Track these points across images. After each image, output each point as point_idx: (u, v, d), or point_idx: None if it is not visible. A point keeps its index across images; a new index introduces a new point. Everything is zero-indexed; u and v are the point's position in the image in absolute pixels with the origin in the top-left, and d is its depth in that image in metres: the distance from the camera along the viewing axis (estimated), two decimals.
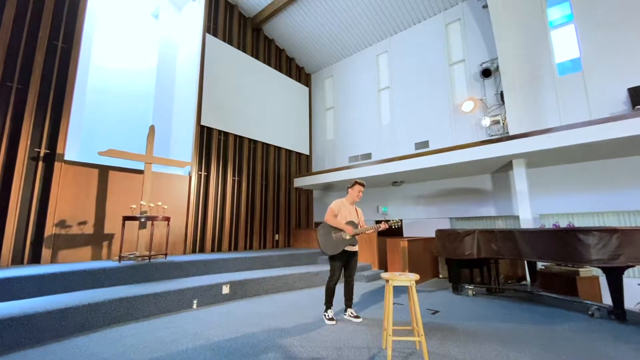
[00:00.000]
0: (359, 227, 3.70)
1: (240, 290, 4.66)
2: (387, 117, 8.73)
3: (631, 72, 5.26)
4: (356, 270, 3.78)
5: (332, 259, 3.62)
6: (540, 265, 5.22)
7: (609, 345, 2.78)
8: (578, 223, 5.70)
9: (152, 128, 5.63)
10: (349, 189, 3.83)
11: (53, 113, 5.06)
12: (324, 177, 8.43)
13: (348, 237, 3.59)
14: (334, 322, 3.47)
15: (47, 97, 5.03)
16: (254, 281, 4.85)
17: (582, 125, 4.66)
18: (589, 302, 3.92)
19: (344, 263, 3.65)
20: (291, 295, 4.88)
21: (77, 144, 5.65)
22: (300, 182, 9.29)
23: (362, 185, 3.82)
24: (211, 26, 7.86)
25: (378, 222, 3.61)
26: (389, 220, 3.54)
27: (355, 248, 3.70)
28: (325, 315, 3.57)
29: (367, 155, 8.89)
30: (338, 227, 3.62)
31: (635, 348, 2.71)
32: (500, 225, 6.77)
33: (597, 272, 4.68)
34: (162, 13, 8.35)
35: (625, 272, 3.54)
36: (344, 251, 3.59)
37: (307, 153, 10.25)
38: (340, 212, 3.71)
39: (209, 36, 7.65)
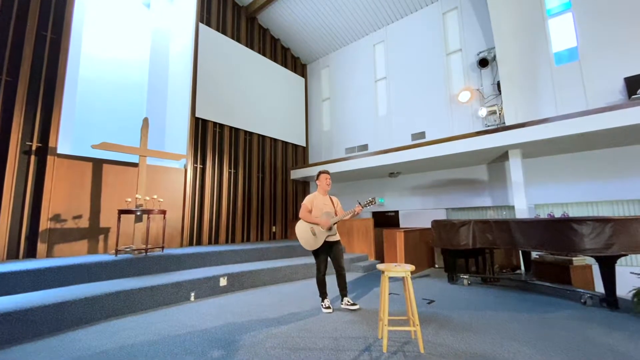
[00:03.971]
0: (335, 215, 3.70)
1: (238, 282, 4.68)
2: (383, 108, 8.68)
3: (628, 61, 5.24)
4: (344, 258, 3.80)
5: (315, 253, 3.66)
6: (534, 254, 5.28)
7: (601, 333, 2.83)
8: (572, 213, 5.75)
9: (145, 120, 5.56)
10: (317, 182, 3.86)
11: (44, 105, 4.98)
12: (321, 168, 8.37)
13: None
14: (330, 310, 3.53)
15: (38, 89, 4.94)
16: (252, 273, 4.87)
17: (578, 115, 4.66)
18: (582, 290, 3.98)
19: (328, 254, 3.68)
20: (288, 287, 4.91)
21: (69, 137, 5.56)
22: (296, 174, 9.27)
23: (326, 172, 3.86)
24: (204, 15, 7.70)
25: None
26: (361, 202, 3.52)
27: (336, 237, 3.71)
28: (322, 305, 3.64)
29: (364, 147, 8.87)
30: (312, 222, 3.63)
31: (627, 335, 2.76)
32: (495, 215, 6.82)
33: (590, 260, 4.74)
34: (154, 2, 8.16)
35: (618, 261, 3.58)
36: (326, 242, 3.61)
37: (304, 145, 10.20)
38: (315, 205, 3.73)
39: (202, 26, 7.51)
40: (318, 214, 3.68)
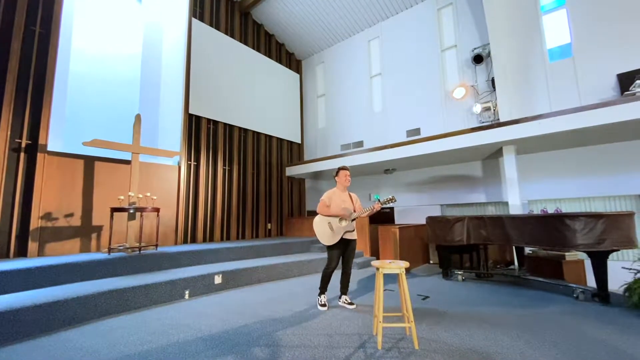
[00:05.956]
0: (354, 212, 3.67)
1: (233, 280, 4.66)
2: (378, 104, 8.66)
3: (621, 57, 5.27)
4: (354, 258, 3.77)
5: (330, 248, 3.61)
6: (528, 250, 5.33)
7: (593, 327, 2.86)
8: (565, 208, 5.80)
9: (138, 117, 5.48)
10: (336, 178, 3.83)
11: (33, 102, 4.88)
12: (316, 165, 8.39)
13: (344, 224, 3.57)
14: (325, 308, 3.52)
15: (27, 85, 4.83)
16: (247, 271, 4.85)
17: (572, 111, 4.68)
18: (574, 285, 4.02)
19: (341, 251, 3.65)
20: (284, 284, 4.90)
21: (60, 134, 5.47)
22: (292, 171, 9.24)
23: (346, 168, 3.81)
24: (197, 10, 7.60)
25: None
26: (380, 200, 3.51)
27: (354, 235, 3.67)
28: (318, 300, 3.62)
29: (359, 143, 8.86)
30: (332, 215, 3.59)
31: (619, 329, 2.80)
32: (490, 211, 6.87)
33: (582, 255, 4.79)
34: None
35: (610, 256, 3.62)
36: (342, 239, 3.58)
37: (299, 141, 10.16)
38: (333, 201, 3.68)
39: (195, 21, 7.41)
40: (336, 211, 3.64)
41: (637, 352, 2.33)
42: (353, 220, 3.61)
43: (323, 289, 3.65)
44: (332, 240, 3.57)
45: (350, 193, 3.83)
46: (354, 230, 3.66)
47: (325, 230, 3.61)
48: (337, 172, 3.82)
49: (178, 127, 6.94)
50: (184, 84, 7.01)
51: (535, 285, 4.49)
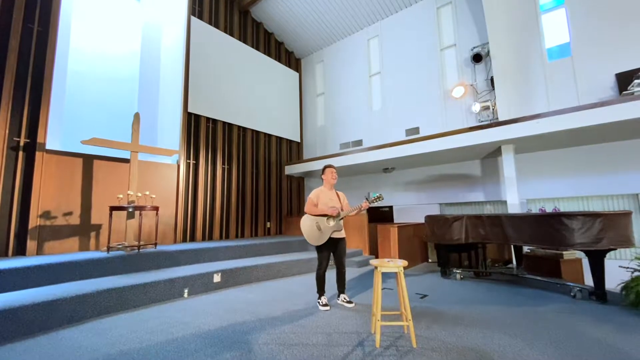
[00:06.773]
0: (342, 211, 3.67)
1: (232, 279, 4.67)
2: (378, 103, 8.66)
3: (619, 57, 5.27)
4: (346, 256, 3.77)
5: (319, 249, 3.61)
6: (526, 248, 5.35)
7: (590, 325, 2.88)
8: (563, 207, 5.82)
9: (137, 115, 5.47)
10: (322, 176, 3.85)
11: (32, 100, 4.86)
12: (315, 164, 8.39)
13: (332, 223, 3.57)
14: (328, 308, 3.50)
15: (25, 83, 4.82)
16: (246, 269, 4.86)
17: (570, 110, 4.69)
18: (572, 283, 4.04)
19: (331, 251, 3.65)
20: (283, 283, 4.91)
21: (58, 133, 5.46)
22: (291, 169, 9.24)
23: (332, 166, 3.85)
24: (196, 8, 7.58)
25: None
26: (368, 198, 3.50)
27: (342, 234, 3.67)
28: (319, 302, 3.60)
29: (358, 142, 8.85)
30: (321, 214, 3.59)
31: (615, 327, 2.81)
32: (488, 210, 6.88)
33: (580, 254, 4.82)
34: None
35: (607, 255, 3.64)
36: (330, 239, 3.58)
37: (298, 140, 10.15)
38: (320, 199, 3.69)
39: (194, 19, 7.38)
40: (324, 209, 3.63)
41: (634, 350, 2.34)
42: (341, 219, 3.61)
43: (321, 291, 3.64)
44: (320, 241, 3.56)
45: (337, 191, 3.85)
46: (342, 229, 3.66)
47: (312, 230, 3.60)
48: (324, 171, 3.84)
49: (177, 125, 6.93)
50: (183, 82, 6.99)
51: (533, 284, 4.51)
